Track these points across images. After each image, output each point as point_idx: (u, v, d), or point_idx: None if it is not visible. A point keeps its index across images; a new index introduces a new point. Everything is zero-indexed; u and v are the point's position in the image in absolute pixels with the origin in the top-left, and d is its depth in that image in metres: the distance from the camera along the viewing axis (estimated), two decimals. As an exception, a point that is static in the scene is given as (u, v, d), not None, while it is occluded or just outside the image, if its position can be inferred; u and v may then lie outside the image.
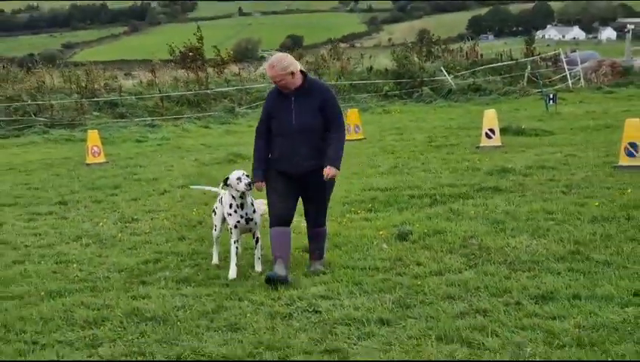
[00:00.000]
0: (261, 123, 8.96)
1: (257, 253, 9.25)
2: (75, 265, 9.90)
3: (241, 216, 9.08)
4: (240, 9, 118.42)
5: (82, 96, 31.18)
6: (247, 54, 56.41)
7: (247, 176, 8.88)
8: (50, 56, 74.36)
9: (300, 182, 8.84)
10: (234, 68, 36.60)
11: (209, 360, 6.60)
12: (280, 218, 8.82)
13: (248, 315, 7.71)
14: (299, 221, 9.85)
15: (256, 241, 9.27)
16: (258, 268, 9.19)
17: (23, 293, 8.74)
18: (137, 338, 7.16)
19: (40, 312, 7.98)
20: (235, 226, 9.11)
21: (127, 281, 9.06)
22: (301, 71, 8.71)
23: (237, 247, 9.19)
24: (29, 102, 30.58)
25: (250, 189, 8.87)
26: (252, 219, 9.11)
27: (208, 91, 31.13)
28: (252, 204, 9.12)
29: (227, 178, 9.04)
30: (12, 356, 6.84)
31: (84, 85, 32.07)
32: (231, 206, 9.10)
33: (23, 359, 6.78)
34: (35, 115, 29.82)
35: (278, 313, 7.73)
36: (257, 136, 8.96)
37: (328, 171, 8.61)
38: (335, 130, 8.75)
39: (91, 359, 6.68)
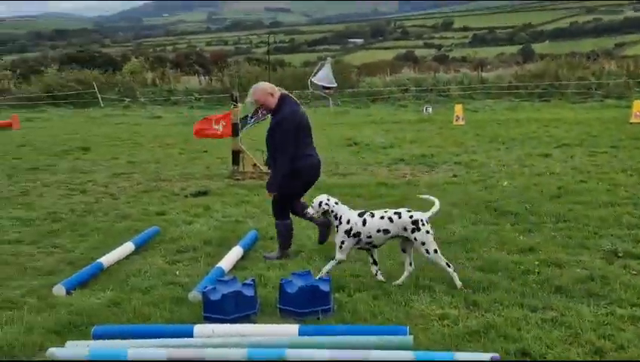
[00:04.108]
0: None
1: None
2: (622, 188, 9.41)
3: None
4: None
5: (629, 77, 29.42)
6: None
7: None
8: (605, 50, 70.73)
9: None
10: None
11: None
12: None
13: None
14: None
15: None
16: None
17: (586, 201, 8.50)
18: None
19: (599, 214, 7.78)
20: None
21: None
22: (286, 96, 6.43)
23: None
24: (593, 80, 29.91)
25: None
26: None
27: None
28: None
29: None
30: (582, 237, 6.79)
31: (632, 69, 30.29)
32: None
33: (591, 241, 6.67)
34: (595, 89, 29.01)
35: None
36: None
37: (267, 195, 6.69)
38: (277, 155, 6.38)
39: None
